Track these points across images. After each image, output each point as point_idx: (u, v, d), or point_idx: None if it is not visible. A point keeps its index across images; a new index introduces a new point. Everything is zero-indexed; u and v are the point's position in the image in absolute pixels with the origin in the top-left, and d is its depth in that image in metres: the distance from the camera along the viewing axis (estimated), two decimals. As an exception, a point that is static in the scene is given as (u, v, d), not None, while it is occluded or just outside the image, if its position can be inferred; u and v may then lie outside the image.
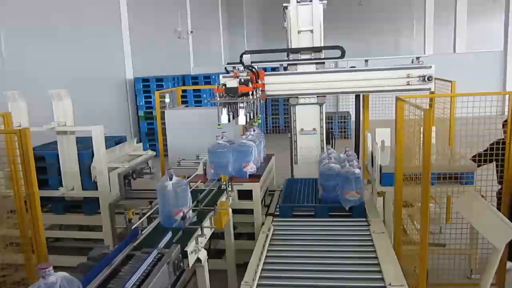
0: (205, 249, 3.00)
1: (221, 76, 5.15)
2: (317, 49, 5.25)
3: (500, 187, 4.07)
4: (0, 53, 6.56)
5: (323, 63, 5.32)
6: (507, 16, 14.09)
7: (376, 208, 4.13)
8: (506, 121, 4.19)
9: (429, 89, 5.04)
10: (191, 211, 3.15)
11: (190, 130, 6.45)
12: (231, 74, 4.58)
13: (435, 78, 5.09)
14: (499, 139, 4.18)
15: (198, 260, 2.85)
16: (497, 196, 4.11)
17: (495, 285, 3.93)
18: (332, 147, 4.78)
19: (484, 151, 4.22)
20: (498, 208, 3.83)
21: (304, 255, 3.18)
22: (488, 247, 3.25)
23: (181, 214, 3.00)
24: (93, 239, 4.72)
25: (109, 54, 9.96)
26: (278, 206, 4.18)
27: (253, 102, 4.53)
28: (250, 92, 4.30)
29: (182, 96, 9.70)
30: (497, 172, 4.14)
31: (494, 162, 4.15)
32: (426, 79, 4.97)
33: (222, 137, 4.63)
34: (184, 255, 2.65)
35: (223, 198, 3.74)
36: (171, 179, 3.06)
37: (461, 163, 4.30)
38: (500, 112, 4.51)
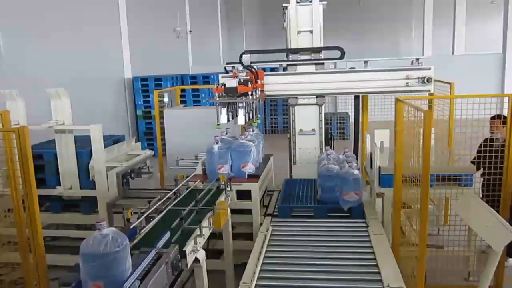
0: (204, 249, 2.99)
1: (220, 76, 5.14)
2: (317, 50, 5.25)
3: (482, 179, 4.20)
4: (-2, 51, 6.55)
5: (323, 63, 5.31)
6: (505, 19, 14.11)
7: (374, 209, 4.13)
8: (493, 117, 4.30)
9: (429, 90, 5.05)
10: (230, 168, 4.32)
11: (188, 130, 6.44)
12: (230, 74, 4.58)
13: (434, 80, 5.09)
14: (486, 138, 4.32)
15: (196, 260, 2.84)
16: (481, 188, 4.27)
17: (493, 287, 3.94)
18: (331, 148, 4.77)
19: (478, 153, 4.23)
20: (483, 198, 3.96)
21: (303, 256, 3.17)
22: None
23: (224, 168, 4.25)
24: (91, 239, 4.69)
25: (107, 53, 9.93)
26: (276, 206, 4.18)
27: (252, 102, 4.52)
28: (250, 92, 4.29)
29: (181, 96, 9.68)
30: (478, 164, 4.14)
31: (482, 159, 4.14)
32: (425, 80, 4.97)
33: (226, 133, 4.64)
34: (183, 255, 2.64)
35: (221, 198, 3.74)
36: (217, 143, 4.30)
37: (459, 165, 4.30)
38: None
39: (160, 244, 2.59)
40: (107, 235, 2.04)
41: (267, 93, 5.25)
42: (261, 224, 3.92)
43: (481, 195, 4.28)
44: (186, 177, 4.31)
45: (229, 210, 3.74)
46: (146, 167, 5.18)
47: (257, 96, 4.54)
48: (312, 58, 5.28)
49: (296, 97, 5.34)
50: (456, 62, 14.47)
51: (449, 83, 5.43)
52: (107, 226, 2.08)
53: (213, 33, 19.01)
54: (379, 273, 2.86)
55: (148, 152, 5.35)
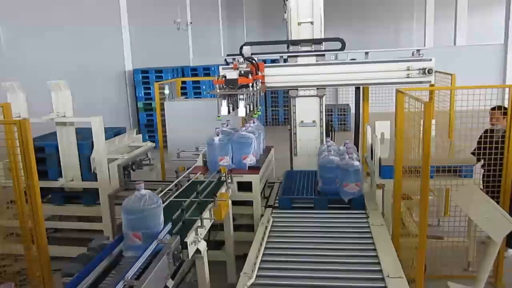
0: (205, 240, 3.01)
1: (220, 67, 5.13)
2: (317, 41, 5.23)
3: (482, 170, 4.20)
4: (-2, 43, 6.53)
5: (323, 55, 5.30)
6: (508, 9, 14.01)
7: (375, 200, 4.14)
8: (494, 108, 4.30)
9: (429, 82, 5.03)
10: (231, 159, 4.34)
11: (189, 122, 6.45)
12: (231, 65, 4.56)
13: (435, 71, 5.07)
14: (486, 130, 4.29)
15: (198, 251, 2.86)
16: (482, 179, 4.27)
17: (492, 277, 3.96)
18: (331, 139, 4.78)
19: (478, 144, 4.23)
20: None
21: (303, 247, 3.20)
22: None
23: (224, 160, 4.28)
24: (93, 230, 4.73)
25: (108, 46, 9.90)
26: (277, 198, 4.19)
27: (253, 94, 4.52)
28: (250, 84, 4.29)
29: (182, 88, 9.67)
30: (478, 154, 4.14)
31: (482, 150, 4.13)
32: (426, 71, 4.96)
33: (227, 125, 4.65)
34: (184, 246, 2.66)
35: (222, 190, 3.75)
36: (218, 135, 4.32)
37: (460, 156, 4.31)
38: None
39: (162, 235, 2.62)
40: (144, 194, 2.48)
41: (267, 84, 5.24)
42: (262, 215, 3.94)
43: (481, 186, 4.30)
44: (187, 169, 4.34)
45: (230, 202, 3.76)
46: (147, 159, 5.20)
47: (258, 87, 4.54)
48: (313, 49, 5.26)
49: (297, 89, 5.33)
50: (457, 53, 14.39)
51: (450, 74, 5.41)
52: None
53: (214, 24, 18.91)
54: (379, 263, 2.88)
55: (149, 144, 5.36)
